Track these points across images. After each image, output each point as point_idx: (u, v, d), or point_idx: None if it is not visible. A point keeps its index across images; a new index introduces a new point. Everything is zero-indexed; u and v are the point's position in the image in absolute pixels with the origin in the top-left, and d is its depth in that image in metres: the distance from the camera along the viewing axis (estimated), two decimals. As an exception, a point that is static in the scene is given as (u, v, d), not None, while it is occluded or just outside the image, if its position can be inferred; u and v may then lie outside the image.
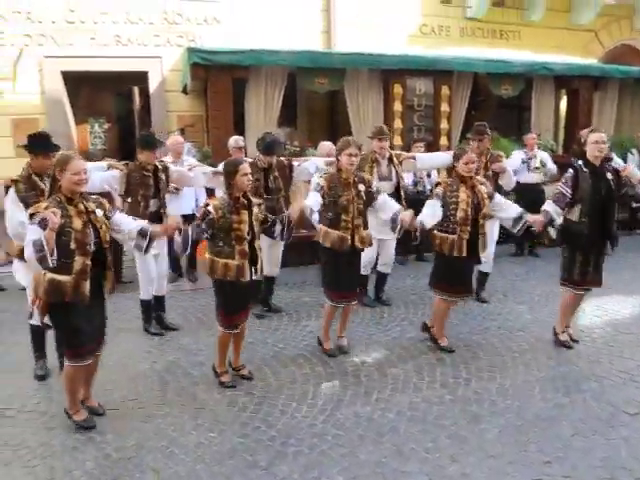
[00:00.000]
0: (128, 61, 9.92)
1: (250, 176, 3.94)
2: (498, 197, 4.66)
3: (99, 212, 3.45)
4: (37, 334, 4.40)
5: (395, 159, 5.71)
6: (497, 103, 10.81)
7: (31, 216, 3.24)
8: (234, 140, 6.43)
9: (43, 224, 3.12)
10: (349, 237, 4.38)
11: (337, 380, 4.20)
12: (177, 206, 6.11)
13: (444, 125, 8.62)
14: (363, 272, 5.33)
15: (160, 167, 5.11)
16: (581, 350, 4.65)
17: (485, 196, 4.46)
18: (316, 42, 10.65)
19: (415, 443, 3.36)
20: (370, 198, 4.52)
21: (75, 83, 10.41)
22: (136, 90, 10.02)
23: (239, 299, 4.02)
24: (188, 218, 6.28)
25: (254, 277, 4.06)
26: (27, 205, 3.94)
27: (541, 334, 4.99)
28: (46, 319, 3.45)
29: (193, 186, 6.23)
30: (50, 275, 3.25)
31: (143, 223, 3.80)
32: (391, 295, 6.21)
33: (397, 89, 8.27)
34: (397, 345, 4.84)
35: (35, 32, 9.55)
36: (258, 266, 4.02)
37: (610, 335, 4.92)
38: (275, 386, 4.13)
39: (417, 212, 4.51)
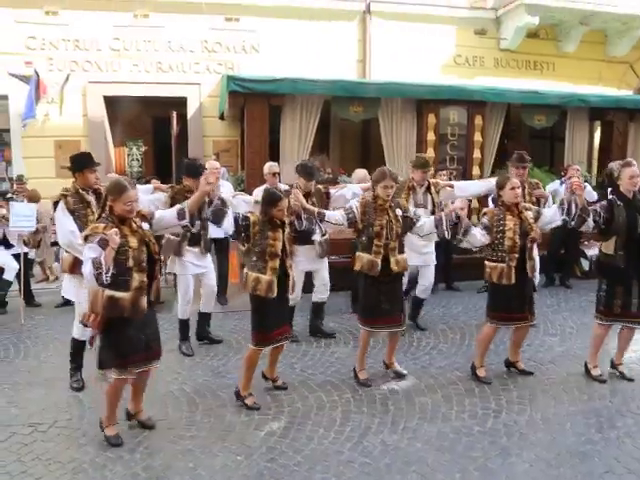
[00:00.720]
0: (168, 87, 10.29)
1: (286, 210, 4.12)
2: (542, 211, 4.68)
3: (146, 226, 3.63)
4: (77, 347, 4.56)
5: (433, 188, 5.80)
6: (530, 133, 10.78)
7: (87, 237, 3.42)
8: (269, 166, 6.55)
9: (103, 243, 3.29)
10: (379, 261, 4.39)
11: (365, 408, 4.19)
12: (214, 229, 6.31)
13: (477, 155, 8.64)
14: None
15: None
16: (615, 386, 4.54)
17: (532, 222, 4.46)
18: (351, 71, 10.87)
19: (443, 474, 3.32)
20: (408, 223, 4.54)
21: (116, 107, 10.80)
22: (174, 115, 10.32)
23: (272, 316, 4.11)
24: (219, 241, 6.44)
25: (288, 297, 4.25)
26: (75, 216, 4.33)
27: (573, 367, 4.89)
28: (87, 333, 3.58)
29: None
30: (109, 292, 3.40)
31: (177, 206, 3.91)
32: (420, 324, 6.20)
33: (431, 118, 8.34)
34: (426, 374, 4.81)
35: (81, 59, 9.99)
36: (290, 282, 4.17)
37: (646, 371, 4.81)
38: (303, 412, 4.14)
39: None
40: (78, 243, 4.22)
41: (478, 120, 8.56)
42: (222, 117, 10.27)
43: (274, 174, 6.46)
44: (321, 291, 5.81)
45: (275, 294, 4.03)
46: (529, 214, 4.49)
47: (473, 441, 3.70)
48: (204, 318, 5.68)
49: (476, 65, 11.76)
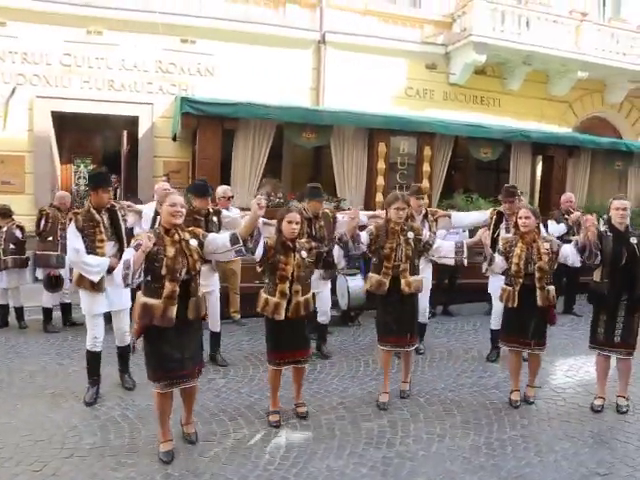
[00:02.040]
0: (120, 106, 10.16)
1: (295, 225, 4.13)
2: (562, 247, 4.72)
3: (193, 242, 3.71)
4: (91, 359, 4.71)
5: (430, 216, 6.00)
6: (476, 165, 11.19)
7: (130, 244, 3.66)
8: (222, 190, 6.51)
9: (137, 247, 3.48)
10: (387, 281, 4.58)
11: (311, 433, 4.18)
12: None
13: (425, 184, 8.84)
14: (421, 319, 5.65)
15: (212, 211, 5.46)
16: (553, 410, 4.69)
17: (544, 252, 4.56)
18: (305, 98, 11.04)
19: (387, 499, 3.33)
20: (422, 246, 4.71)
21: (64, 124, 10.57)
22: (125, 134, 10.19)
23: (284, 336, 4.19)
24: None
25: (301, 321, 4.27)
26: (84, 234, 4.48)
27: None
28: (138, 342, 3.74)
29: None
30: (143, 299, 3.59)
31: (230, 232, 3.93)
32: (368, 349, 6.26)
33: (381, 147, 8.53)
34: (373, 399, 4.82)
35: (29, 72, 9.75)
36: (290, 307, 4.16)
37: (582, 396, 4.97)
38: (248, 437, 4.08)
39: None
40: (82, 261, 4.42)
41: (427, 151, 8.81)
42: (175, 138, 10.20)
43: (228, 198, 6.44)
44: (323, 312, 5.94)
45: (281, 317, 4.11)
46: (545, 245, 4.60)
47: (417, 466, 3.73)
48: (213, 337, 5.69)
49: (426, 98, 12.18)
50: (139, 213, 5.60)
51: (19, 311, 6.99)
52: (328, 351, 6.02)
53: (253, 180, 8.20)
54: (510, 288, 4.65)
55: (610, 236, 4.56)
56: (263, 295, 4.22)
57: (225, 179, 7.87)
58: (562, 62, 12.27)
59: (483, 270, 4.78)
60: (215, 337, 5.68)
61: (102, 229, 4.56)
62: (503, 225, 5.90)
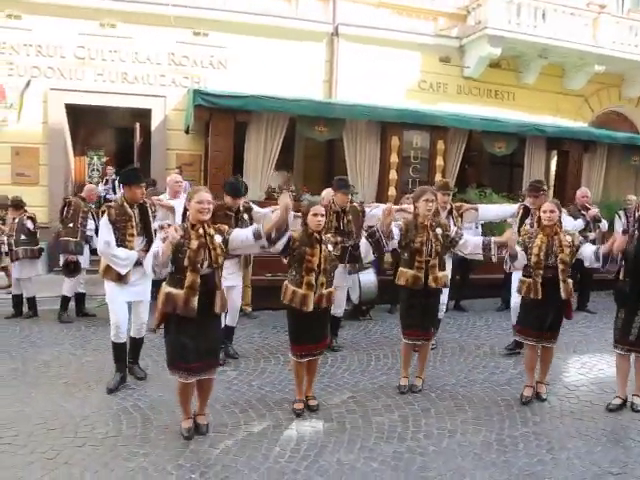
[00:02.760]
0: (133, 98, 10.20)
1: (321, 217, 4.16)
2: (583, 246, 4.68)
3: (218, 237, 3.81)
4: (116, 349, 4.80)
5: (455, 212, 6.01)
6: (490, 159, 11.08)
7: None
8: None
9: (165, 240, 3.61)
10: (422, 276, 4.61)
11: (321, 426, 4.18)
12: None
13: (438, 178, 8.77)
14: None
15: (242, 208, 5.49)
16: (566, 408, 4.65)
17: (566, 244, 4.52)
18: (317, 91, 11.01)
19: (398, 494, 3.32)
20: (449, 242, 4.74)
21: (78, 116, 10.63)
22: (138, 126, 10.22)
23: (306, 329, 4.24)
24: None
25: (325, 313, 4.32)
26: (116, 227, 4.59)
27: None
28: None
29: None
30: (167, 288, 3.72)
31: (253, 227, 4.02)
32: (379, 343, 6.25)
33: (394, 141, 8.46)
34: (383, 394, 4.82)
35: (43, 65, 9.81)
36: (322, 299, 4.20)
37: (595, 394, 4.93)
38: (259, 430, 4.09)
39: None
40: (112, 254, 4.53)
41: (440, 145, 8.73)
42: (187, 131, 10.21)
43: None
44: (338, 306, 5.89)
45: (310, 308, 4.13)
46: (567, 238, 4.56)
47: (428, 461, 3.72)
48: (229, 331, 5.67)
49: (440, 91, 12.10)
50: (170, 209, 5.60)
51: (31, 301, 7.06)
52: (338, 345, 6.01)
53: (265, 173, 8.18)
54: (530, 280, 4.59)
55: (636, 235, 4.50)
56: (290, 287, 4.21)
57: (237, 172, 7.87)
58: (579, 55, 12.11)
59: (506, 267, 4.73)
60: (229, 330, 5.68)
61: (133, 223, 4.66)
62: (528, 220, 5.88)
